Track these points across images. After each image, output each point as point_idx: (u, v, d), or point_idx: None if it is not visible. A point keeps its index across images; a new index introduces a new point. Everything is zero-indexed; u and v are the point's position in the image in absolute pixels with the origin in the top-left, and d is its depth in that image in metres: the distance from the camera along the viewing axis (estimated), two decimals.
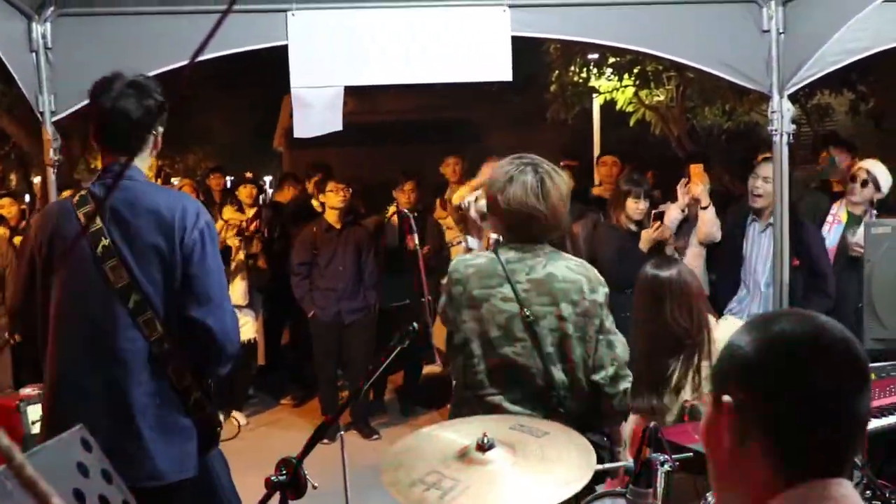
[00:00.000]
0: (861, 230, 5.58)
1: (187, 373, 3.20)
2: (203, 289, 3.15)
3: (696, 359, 3.68)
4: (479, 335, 3.27)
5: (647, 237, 5.84)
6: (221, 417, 7.55)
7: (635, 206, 5.97)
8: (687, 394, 3.60)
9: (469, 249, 5.49)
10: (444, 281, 3.44)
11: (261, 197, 11.26)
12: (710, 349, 3.68)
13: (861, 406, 1.43)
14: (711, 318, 3.88)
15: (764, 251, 5.64)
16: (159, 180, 11.73)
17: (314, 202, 8.64)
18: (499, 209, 3.28)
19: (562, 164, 8.20)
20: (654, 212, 5.88)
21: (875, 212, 5.77)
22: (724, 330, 3.71)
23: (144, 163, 3.34)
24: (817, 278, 5.49)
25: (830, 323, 1.51)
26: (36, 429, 5.03)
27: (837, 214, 5.83)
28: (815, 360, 1.44)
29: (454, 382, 3.47)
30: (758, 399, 1.44)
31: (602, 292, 3.29)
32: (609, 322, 3.31)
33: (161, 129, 3.30)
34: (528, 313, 3.19)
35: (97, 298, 3.14)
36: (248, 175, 10.31)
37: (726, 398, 1.46)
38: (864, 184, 5.71)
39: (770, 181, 5.46)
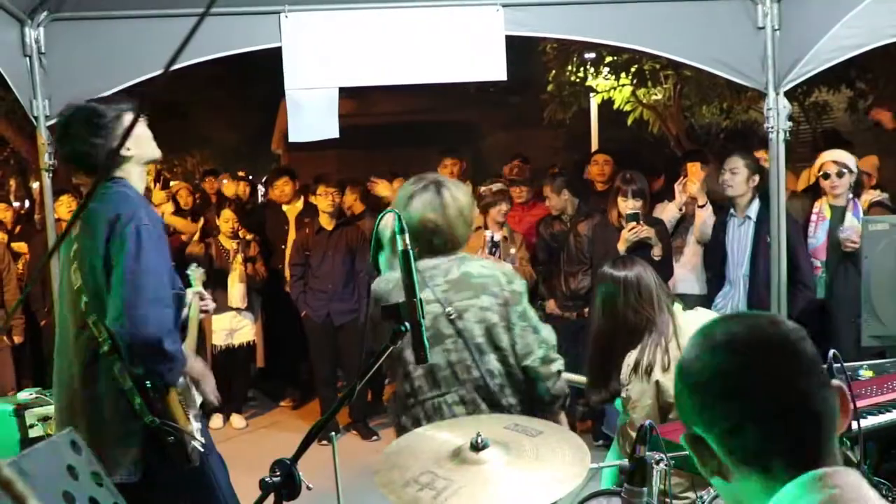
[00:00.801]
0: (848, 222, 5.59)
1: (127, 375, 3.25)
2: (112, 292, 3.20)
3: (663, 340, 3.69)
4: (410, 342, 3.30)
5: (623, 237, 5.85)
6: (220, 420, 7.56)
7: (625, 205, 5.97)
8: (658, 374, 3.61)
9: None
10: (370, 304, 3.53)
11: (259, 195, 11.25)
12: (675, 332, 3.71)
13: (816, 388, 1.46)
14: (677, 306, 3.89)
15: (743, 244, 5.70)
16: (158, 185, 11.71)
17: (285, 208, 8.64)
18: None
19: (551, 170, 8.23)
20: (627, 212, 5.89)
21: (855, 198, 5.76)
22: (692, 319, 3.72)
23: (131, 170, 3.46)
24: (796, 271, 5.50)
25: (759, 318, 1.54)
26: (34, 432, 5.04)
27: (821, 212, 5.82)
28: (753, 368, 1.46)
29: (397, 395, 3.55)
30: (723, 424, 1.47)
31: (519, 283, 3.41)
32: (531, 310, 3.42)
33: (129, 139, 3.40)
34: (450, 310, 3.29)
35: (66, 300, 3.36)
36: (241, 174, 10.27)
37: (689, 434, 1.52)
38: (841, 174, 5.72)
39: (737, 172, 5.72)
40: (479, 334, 3.32)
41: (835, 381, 1.50)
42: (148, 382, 3.28)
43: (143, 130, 3.52)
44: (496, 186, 7.23)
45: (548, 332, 3.44)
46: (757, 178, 5.74)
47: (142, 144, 3.50)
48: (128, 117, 3.42)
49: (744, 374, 1.45)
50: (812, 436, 1.44)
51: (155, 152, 3.60)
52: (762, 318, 1.53)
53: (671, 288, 5.85)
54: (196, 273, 4.02)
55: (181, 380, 3.48)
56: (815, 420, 1.45)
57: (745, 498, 1.49)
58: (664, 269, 5.75)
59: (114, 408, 3.28)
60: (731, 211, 5.84)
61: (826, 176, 5.75)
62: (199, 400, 3.68)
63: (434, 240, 3.37)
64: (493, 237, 6.73)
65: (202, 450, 3.47)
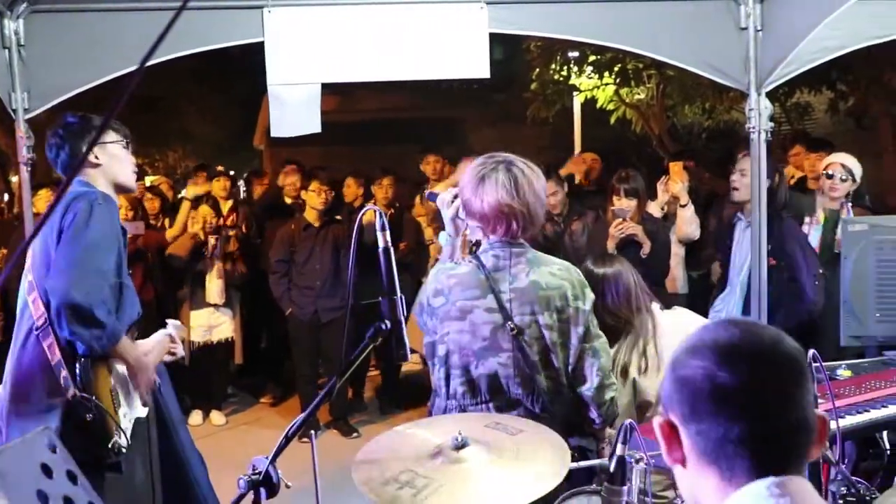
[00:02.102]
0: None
1: (57, 350, 3.39)
2: (55, 260, 3.39)
3: (640, 342, 3.69)
4: (464, 346, 3.23)
5: (610, 234, 5.84)
6: (200, 416, 7.52)
7: (619, 203, 5.97)
8: (634, 373, 3.62)
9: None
10: (423, 289, 3.38)
11: (242, 192, 11.20)
12: (654, 333, 3.70)
13: (795, 403, 1.48)
14: (655, 305, 3.89)
15: (745, 247, 5.65)
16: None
17: (286, 198, 8.61)
18: (473, 209, 3.24)
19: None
20: (612, 209, 5.86)
21: (850, 204, 5.76)
22: (671, 319, 3.73)
23: (93, 174, 3.68)
24: (793, 283, 5.42)
25: (754, 327, 1.56)
26: None
27: (815, 216, 5.82)
28: (741, 369, 1.48)
29: (434, 393, 3.41)
30: (696, 420, 1.50)
31: (588, 298, 3.23)
32: (594, 328, 3.25)
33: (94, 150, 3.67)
34: (512, 326, 3.14)
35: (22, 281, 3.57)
36: (220, 168, 10.20)
37: (665, 422, 1.56)
38: (844, 178, 5.70)
39: (746, 174, 5.50)
40: (536, 352, 3.18)
41: (821, 412, 1.52)
42: (79, 356, 3.40)
43: (120, 152, 3.76)
44: None
45: (605, 358, 3.27)
46: (769, 182, 5.49)
47: (114, 163, 3.73)
48: (109, 135, 3.72)
49: (735, 387, 1.47)
50: (782, 453, 1.47)
51: (128, 180, 3.79)
52: (765, 330, 1.55)
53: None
54: (175, 329, 3.95)
55: (120, 369, 3.58)
56: (790, 439, 1.48)
57: (700, 493, 1.53)
58: (659, 267, 5.74)
59: (39, 382, 3.42)
60: (739, 214, 5.76)
61: (830, 176, 5.73)
62: (137, 402, 3.64)
63: (510, 225, 3.19)
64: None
65: (124, 450, 3.47)
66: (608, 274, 3.78)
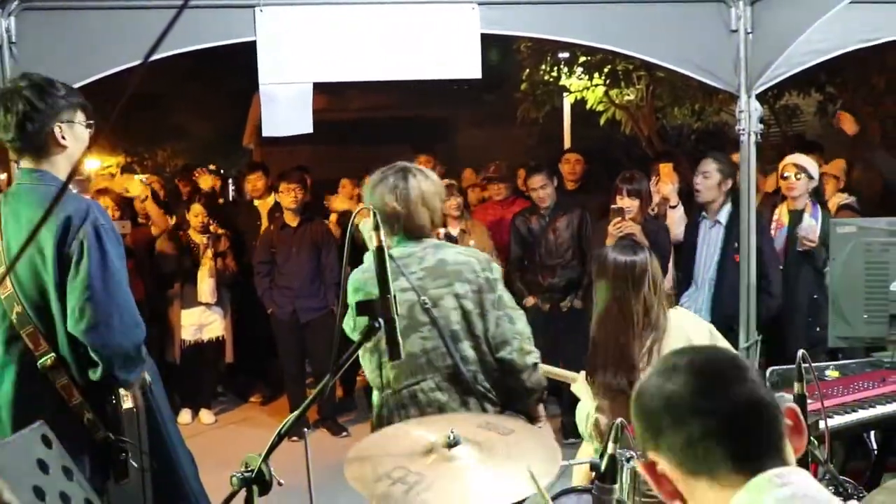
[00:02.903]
0: (806, 222, 5.60)
1: (76, 391, 3.05)
2: (79, 303, 2.98)
3: (657, 344, 3.68)
4: None
5: (609, 232, 5.85)
6: (189, 415, 7.53)
7: (621, 203, 5.99)
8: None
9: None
10: (348, 294, 3.52)
11: (231, 191, 11.20)
12: (663, 334, 3.71)
13: (744, 391, 1.56)
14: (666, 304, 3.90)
15: (711, 247, 5.71)
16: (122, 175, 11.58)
17: (256, 202, 8.64)
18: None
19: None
20: (612, 207, 5.88)
21: (815, 201, 5.79)
22: (675, 318, 3.73)
23: (59, 163, 3.22)
24: (762, 279, 5.48)
25: (693, 348, 1.73)
26: None
27: (780, 219, 5.86)
28: (680, 376, 1.60)
29: (374, 389, 3.60)
30: (666, 439, 1.58)
31: (495, 269, 3.49)
32: (507, 297, 3.48)
33: (58, 125, 3.19)
34: (424, 299, 3.35)
35: None
36: (212, 167, 10.20)
37: (645, 461, 1.64)
38: (798, 176, 5.75)
39: (708, 177, 5.67)
40: (456, 321, 3.38)
41: (788, 404, 1.61)
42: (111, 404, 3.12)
43: (85, 135, 3.30)
44: (443, 182, 7.21)
45: (523, 324, 3.47)
46: (730, 182, 5.67)
47: (78, 148, 3.27)
48: (79, 115, 3.26)
49: (679, 393, 1.57)
50: (746, 434, 1.53)
51: (83, 168, 3.42)
52: (700, 347, 1.75)
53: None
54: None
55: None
56: (755, 433, 1.54)
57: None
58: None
59: (59, 429, 2.77)
60: (703, 213, 5.83)
61: (785, 177, 5.79)
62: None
63: (394, 225, 3.43)
64: (447, 233, 6.73)
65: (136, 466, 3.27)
66: (638, 262, 3.72)
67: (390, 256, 3.29)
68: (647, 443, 1.62)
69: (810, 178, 5.75)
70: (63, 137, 3.20)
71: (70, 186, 3.33)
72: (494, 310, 3.41)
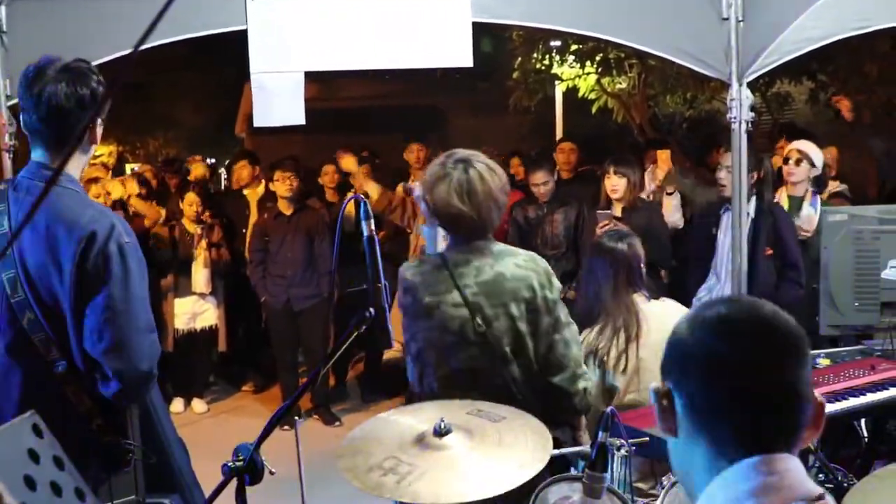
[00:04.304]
0: (805, 211, 5.64)
1: (86, 397, 2.96)
2: (99, 324, 2.84)
3: (621, 336, 3.72)
4: (434, 343, 3.24)
5: (597, 235, 5.91)
6: (181, 404, 7.53)
7: (609, 184, 6.02)
8: (610, 366, 3.64)
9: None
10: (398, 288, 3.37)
11: (223, 180, 11.20)
12: (637, 331, 3.73)
13: (791, 379, 1.49)
14: (640, 296, 3.91)
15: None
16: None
17: (246, 191, 8.65)
18: (430, 209, 3.25)
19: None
20: (597, 212, 5.93)
21: (815, 190, 5.82)
22: (658, 311, 3.75)
23: (76, 162, 3.03)
24: (790, 270, 5.53)
25: (759, 304, 1.57)
26: None
27: (779, 203, 5.89)
28: (737, 340, 1.50)
29: (411, 390, 3.46)
30: (689, 386, 1.52)
31: (555, 288, 3.25)
32: (563, 316, 3.27)
33: (100, 121, 3.03)
34: (478, 321, 3.15)
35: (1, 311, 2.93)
36: (198, 158, 10.20)
37: (659, 387, 1.57)
38: (798, 162, 5.77)
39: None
40: (507, 343, 3.19)
41: (819, 396, 1.53)
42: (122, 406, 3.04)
43: (99, 129, 3.10)
44: None
45: (577, 348, 3.31)
46: (754, 175, 5.60)
47: (97, 138, 3.10)
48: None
49: (726, 350, 1.49)
50: (772, 424, 1.47)
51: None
52: (764, 305, 1.56)
53: None
54: None
55: None
56: (781, 417, 1.48)
57: (690, 464, 1.54)
58: (657, 254, 5.78)
59: (68, 433, 2.67)
60: (727, 205, 5.79)
61: (786, 161, 5.83)
62: None
63: (459, 228, 3.21)
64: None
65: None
66: (620, 250, 3.77)
67: (444, 262, 3.20)
68: (669, 375, 1.56)
69: (812, 165, 5.77)
70: (97, 135, 3.07)
71: (79, 189, 2.98)
72: (550, 333, 3.22)
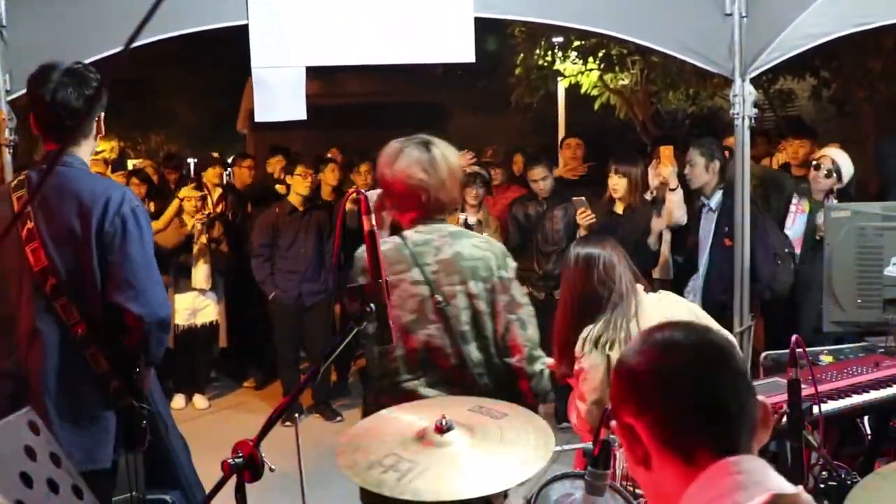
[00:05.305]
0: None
1: (103, 359, 3.19)
2: (124, 275, 3.16)
3: (624, 321, 3.71)
4: (394, 321, 3.25)
5: (579, 224, 6.02)
6: (183, 400, 7.53)
7: (610, 182, 6.06)
8: (615, 350, 3.64)
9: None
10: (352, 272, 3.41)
11: (226, 176, 11.20)
12: (636, 313, 3.72)
13: (726, 387, 1.59)
14: (640, 286, 3.91)
15: (705, 233, 5.78)
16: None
17: (278, 186, 8.63)
18: (386, 184, 3.30)
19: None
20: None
21: (836, 201, 5.82)
22: (655, 302, 3.74)
23: (86, 148, 3.36)
24: (777, 256, 5.60)
25: (694, 326, 1.70)
26: None
27: (800, 204, 5.90)
28: (672, 356, 1.62)
29: (370, 374, 3.50)
30: (651, 409, 1.60)
31: (510, 266, 3.33)
32: (519, 296, 3.34)
33: (102, 113, 3.36)
34: (439, 298, 3.20)
35: (17, 280, 3.19)
36: (215, 155, 10.26)
37: (613, 424, 1.66)
38: (829, 174, 5.77)
39: (695, 164, 5.81)
40: (465, 321, 3.24)
41: (760, 397, 1.64)
42: (136, 371, 3.26)
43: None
44: (470, 168, 7.17)
45: (534, 329, 3.35)
46: (717, 163, 5.77)
47: (102, 128, 3.42)
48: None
49: (678, 371, 1.59)
50: (733, 433, 1.56)
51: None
52: (696, 324, 1.71)
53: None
54: None
55: None
56: (737, 420, 1.57)
57: (666, 484, 1.60)
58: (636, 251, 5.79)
59: (87, 395, 3.20)
60: (704, 199, 5.89)
61: (817, 167, 5.83)
62: None
63: (421, 198, 3.24)
64: (466, 219, 6.75)
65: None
66: (596, 253, 3.79)
67: (404, 241, 3.25)
68: (627, 408, 1.62)
69: (839, 180, 5.78)
70: (102, 127, 3.39)
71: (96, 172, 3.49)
72: (506, 313, 3.27)
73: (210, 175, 8.65)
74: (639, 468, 1.63)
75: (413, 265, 3.22)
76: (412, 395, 3.23)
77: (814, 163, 5.89)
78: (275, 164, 8.97)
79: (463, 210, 6.92)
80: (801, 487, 1.51)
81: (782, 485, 1.51)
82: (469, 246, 3.28)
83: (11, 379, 3.18)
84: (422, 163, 3.23)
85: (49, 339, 3.17)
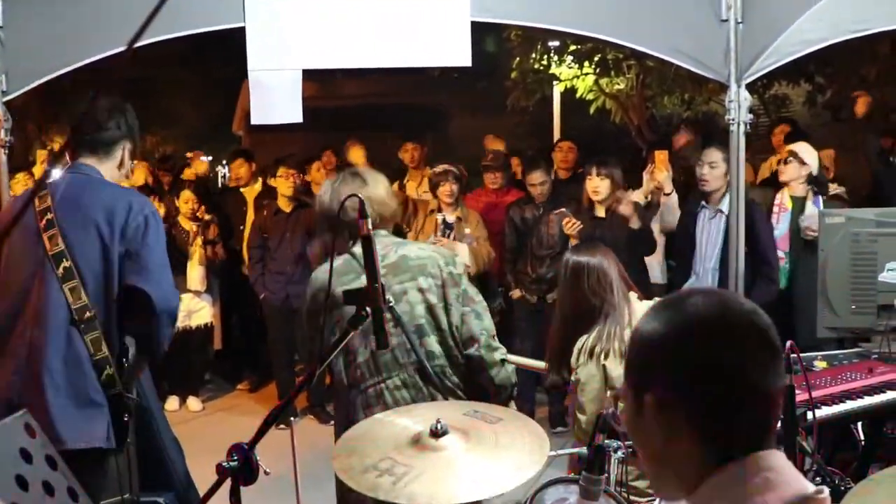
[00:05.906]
0: (809, 211, 5.69)
1: (102, 344, 3.34)
2: (142, 261, 3.41)
3: (617, 329, 3.72)
4: None
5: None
6: (177, 402, 7.51)
7: (591, 184, 6.05)
8: (611, 359, 3.65)
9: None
10: (307, 292, 3.56)
11: (220, 179, 11.19)
12: (630, 319, 3.74)
13: (773, 376, 1.48)
14: (633, 294, 3.92)
15: (713, 237, 5.74)
16: None
17: (242, 189, 8.68)
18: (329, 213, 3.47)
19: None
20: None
21: (816, 190, 5.85)
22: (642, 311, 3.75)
23: (106, 167, 3.59)
24: (763, 265, 5.59)
25: (734, 298, 1.56)
26: None
27: (782, 203, 5.93)
28: (726, 340, 1.47)
29: (337, 389, 3.55)
30: (679, 390, 1.47)
31: (459, 263, 3.51)
32: (472, 292, 3.47)
33: (128, 145, 3.67)
34: (389, 297, 3.16)
35: (31, 263, 3.38)
36: (193, 153, 10.23)
37: (648, 397, 1.49)
38: (787, 161, 5.84)
39: (716, 167, 5.72)
40: (421, 314, 3.36)
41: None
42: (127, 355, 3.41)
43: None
44: (440, 168, 7.15)
45: (489, 320, 3.47)
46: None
47: (127, 161, 3.71)
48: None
49: (715, 352, 1.46)
50: (760, 422, 1.47)
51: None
52: (736, 300, 1.54)
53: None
54: None
55: None
56: (767, 406, 1.47)
57: (682, 467, 1.49)
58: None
59: (85, 377, 3.33)
60: (703, 203, 5.84)
61: (786, 162, 5.97)
62: None
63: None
64: (444, 219, 6.77)
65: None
66: (590, 262, 3.81)
67: (351, 255, 3.39)
68: (642, 376, 1.51)
69: (802, 163, 5.80)
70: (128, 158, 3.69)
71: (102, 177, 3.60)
72: (459, 305, 3.39)
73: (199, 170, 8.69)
74: (648, 442, 1.51)
75: (362, 272, 3.25)
76: (381, 397, 3.33)
77: (781, 163, 5.94)
78: (236, 169, 8.95)
79: (440, 210, 6.94)
80: (824, 487, 1.44)
81: (806, 484, 1.44)
82: (414, 249, 3.48)
83: (18, 356, 3.33)
84: (357, 185, 3.39)
85: (55, 319, 3.31)
